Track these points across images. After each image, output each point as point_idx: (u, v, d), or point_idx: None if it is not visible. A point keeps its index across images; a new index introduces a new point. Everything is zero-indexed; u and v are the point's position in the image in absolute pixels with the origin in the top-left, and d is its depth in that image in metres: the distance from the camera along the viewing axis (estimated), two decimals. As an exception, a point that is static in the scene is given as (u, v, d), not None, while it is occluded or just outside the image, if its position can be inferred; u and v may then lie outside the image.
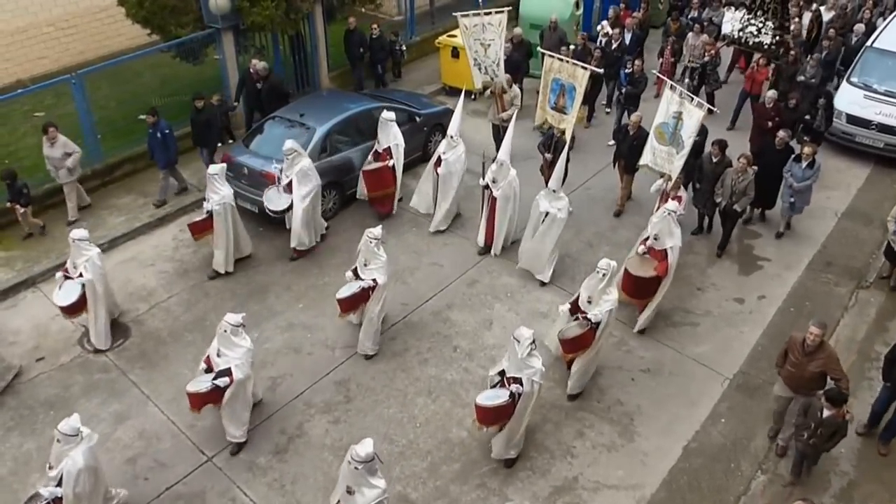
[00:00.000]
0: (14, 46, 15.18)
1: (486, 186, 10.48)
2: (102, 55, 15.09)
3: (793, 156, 10.91)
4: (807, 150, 10.76)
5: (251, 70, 12.61)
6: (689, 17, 16.58)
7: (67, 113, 12.68)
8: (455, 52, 14.68)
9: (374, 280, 8.63)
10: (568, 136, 11.15)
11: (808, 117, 12.52)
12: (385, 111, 11.38)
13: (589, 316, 8.13)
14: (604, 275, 8.11)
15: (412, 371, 8.95)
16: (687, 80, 14.91)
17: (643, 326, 9.55)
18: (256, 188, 10.94)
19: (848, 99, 13.69)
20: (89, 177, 11.82)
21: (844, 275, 10.83)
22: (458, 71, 13.80)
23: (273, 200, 10.43)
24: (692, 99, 10.02)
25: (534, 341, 7.18)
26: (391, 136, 11.23)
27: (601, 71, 12.78)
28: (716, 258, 11.06)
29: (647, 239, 9.35)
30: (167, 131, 11.24)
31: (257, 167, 10.96)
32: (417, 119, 12.64)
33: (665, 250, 9.16)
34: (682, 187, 10.23)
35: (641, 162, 10.91)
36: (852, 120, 13.52)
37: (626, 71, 13.58)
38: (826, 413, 6.98)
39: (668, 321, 9.91)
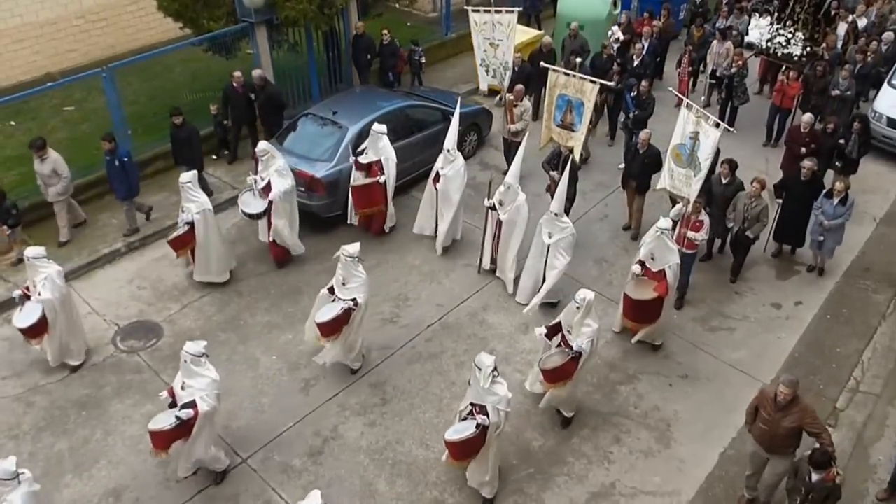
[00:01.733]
0: (43, 39, 15.14)
1: (492, 207, 9.95)
2: (133, 49, 15.05)
3: (824, 191, 10.17)
4: (839, 185, 10.02)
5: (234, 83, 12.09)
6: (716, 25, 15.89)
7: (98, 108, 12.73)
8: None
9: (353, 300, 8.17)
10: (577, 154, 10.54)
11: (841, 141, 11.55)
12: (376, 124, 10.67)
13: (571, 344, 7.69)
14: (578, 307, 7.62)
15: (448, 374, 8.89)
16: (714, 92, 14.45)
17: (641, 339, 9.23)
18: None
19: (889, 102, 13.48)
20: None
21: (883, 281, 10.66)
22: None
23: (249, 204, 10.03)
24: (708, 118, 9.49)
25: (496, 368, 6.78)
26: (381, 150, 10.54)
27: (612, 84, 12.27)
28: (756, 262, 10.77)
29: (641, 261, 8.92)
30: (126, 159, 10.34)
31: (290, 165, 10.88)
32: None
33: (663, 270, 8.75)
34: (702, 211, 9.53)
35: (659, 185, 10.41)
36: (893, 123, 13.29)
37: (632, 95, 12.55)
38: (815, 477, 6.47)
39: (705, 326, 9.81)
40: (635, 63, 13.76)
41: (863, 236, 11.59)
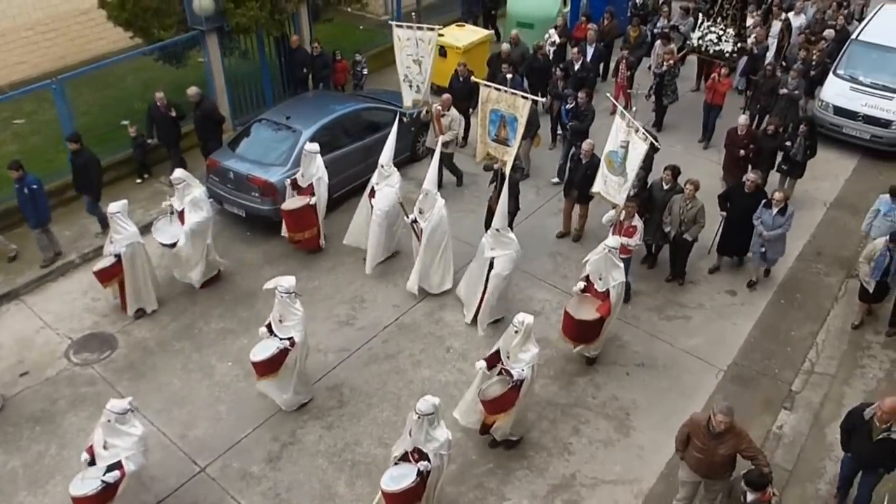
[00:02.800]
0: (-9, 52, 14.94)
1: (414, 221, 9.72)
2: (84, 60, 14.86)
3: (763, 201, 9.90)
4: (778, 195, 9.77)
5: (157, 103, 11.70)
6: (657, 25, 15.66)
7: (48, 120, 12.53)
8: (442, 51, 14.56)
9: (290, 339, 7.76)
10: (508, 168, 10.16)
11: (788, 143, 11.41)
12: (308, 143, 10.31)
13: (512, 372, 7.34)
14: (516, 331, 7.29)
15: (406, 374, 8.88)
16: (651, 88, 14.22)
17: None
18: (243, 192, 10.88)
19: (835, 91, 13.76)
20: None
21: (834, 264, 10.87)
22: (446, 70, 13.67)
23: (163, 232, 9.70)
24: (638, 130, 9.22)
25: (435, 412, 6.46)
26: (315, 168, 10.19)
27: (544, 100, 11.94)
28: (706, 253, 10.78)
29: (586, 277, 8.75)
30: (35, 186, 9.89)
31: (243, 171, 10.84)
32: (404, 119, 12.52)
33: (607, 290, 8.54)
34: (636, 216, 9.33)
35: (594, 189, 10.18)
36: (839, 111, 13.58)
37: (568, 106, 12.20)
38: (750, 497, 6.42)
39: (661, 315, 9.92)
40: (576, 68, 13.53)
41: (813, 221, 11.82)
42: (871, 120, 13.33)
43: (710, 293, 10.28)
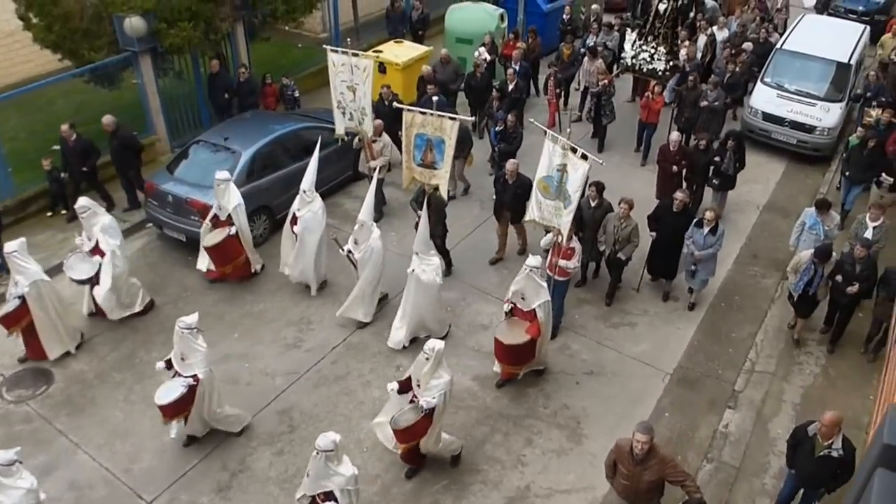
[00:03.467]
0: (-87, 78, 14.30)
1: (349, 252, 9.46)
2: (11, 83, 14.32)
3: (694, 221, 9.89)
4: (708, 214, 9.68)
5: (63, 135, 11.14)
6: (585, 42, 15.70)
7: (-27, 147, 12.02)
8: (382, 68, 14.59)
9: (194, 377, 7.47)
10: (444, 192, 9.97)
11: (717, 159, 11.49)
12: (218, 171, 9.90)
13: (421, 402, 7.22)
14: (427, 358, 7.14)
15: (356, 394, 8.79)
16: (587, 107, 14.46)
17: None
18: (182, 216, 10.65)
19: (763, 98, 14.26)
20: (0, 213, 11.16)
21: (770, 266, 11.23)
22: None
23: (75, 269, 9.30)
24: (576, 150, 8.93)
25: (335, 448, 6.24)
26: (229, 197, 9.85)
27: (472, 119, 11.67)
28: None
29: (511, 301, 8.60)
30: None
31: (182, 194, 10.62)
32: (346, 138, 12.45)
33: (534, 310, 8.42)
34: (573, 238, 9.28)
35: (528, 217, 9.88)
36: (767, 117, 14.09)
37: (497, 129, 12.17)
38: None
39: (607, 323, 10.07)
40: (510, 88, 13.42)
41: (748, 224, 12.21)
42: (796, 125, 13.85)
43: (654, 300, 10.49)
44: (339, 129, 11.68)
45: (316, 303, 10.18)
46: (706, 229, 9.66)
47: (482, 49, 14.65)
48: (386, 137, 11.48)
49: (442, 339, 8.74)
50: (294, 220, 9.97)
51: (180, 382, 7.48)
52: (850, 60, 14.44)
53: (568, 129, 9.89)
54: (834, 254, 9.40)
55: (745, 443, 8.41)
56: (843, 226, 11.50)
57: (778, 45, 15.18)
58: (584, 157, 8.78)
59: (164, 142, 13.23)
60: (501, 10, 16.63)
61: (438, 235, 9.94)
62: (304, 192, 9.85)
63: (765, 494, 7.84)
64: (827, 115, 13.76)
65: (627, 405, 8.78)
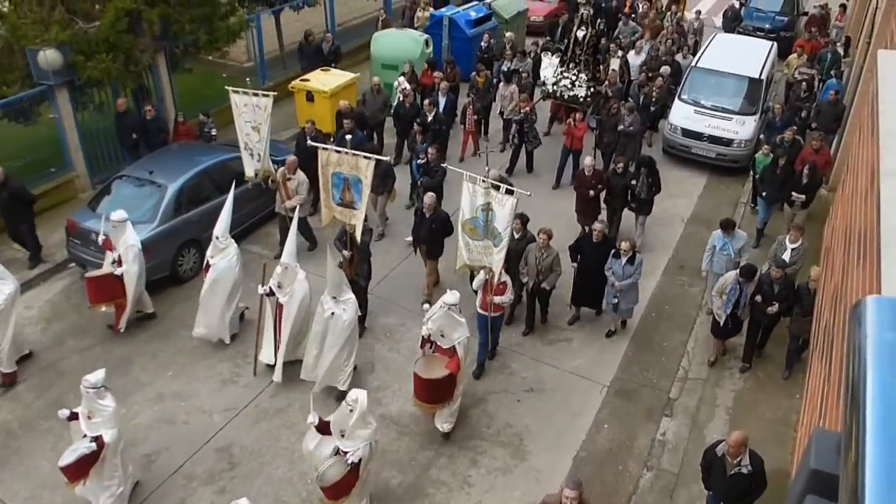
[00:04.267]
0: None
1: (269, 293, 8.96)
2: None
3: (612, 251, 9.74)
4: (624, 245, 9.57)
5: None
6: (500, 68, 15.71)
7: None
8: (310, 96, 14.55)
9: (97, 438, 7.05)
10: (358, 233, 9.50)
11: (633, 182, 11.58)
12: (115, 212, 9.41)
13: (348, 457, 6.96)
14: (350, 409, 6.95)
15: (297, 426, 8.61)
16: (508, 134, 14.27)
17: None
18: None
19: (681, 115, 14.82)
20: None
21: (696, 276, 11.56)
22: (315, 114, 13.64)
23: None
24: (499, 187, 8.72)
25: None
26: (125, 239, 9.40)
27: (388, 159, 11.22)
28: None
29: (428, 337, 8.31)
30: None
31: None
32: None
33: (453, 346, 8.23)
34: (504, 272, 9.13)
35: (458, 265, 9.56)
36: (686, 133, 14.65)
37: (419, 162, 11.90)
38: None
39: (544, 340, 10.22)
40: (429, 119, 13.09)
41: (674, 236, 12.63)
42: (714, 139, 14.43)
43: (589, 314, 10.69)
44: (249, 171, 11.34)
45: (251, 336, 9.98)
46: (624, 259, 9.61)
47: (401, 79, 14.63)
48: (301, 175, 11.02)
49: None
50: (207, 268, 9.50)
51: (84, 444, 7.06)
52: (760, 75, 15.18)
53: (487, 167, 9.59)
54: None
55: (683, 449, 8.64)
56: (760, 243, 11.96)
57: (693, 63, 15.84)
58: (509, 192, 8.69)
59: (84, 178, 12.82)
60: (426, 36, 16.84)
61: (364, 276, 9.72)
62: (218, 238, 9.35)
63: (703, 498, 8.00)
64: (743, 128, 14.40)
65: (568, 419, 8.93)
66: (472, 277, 9.75)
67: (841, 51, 17.33)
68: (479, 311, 9.31)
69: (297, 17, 17.46)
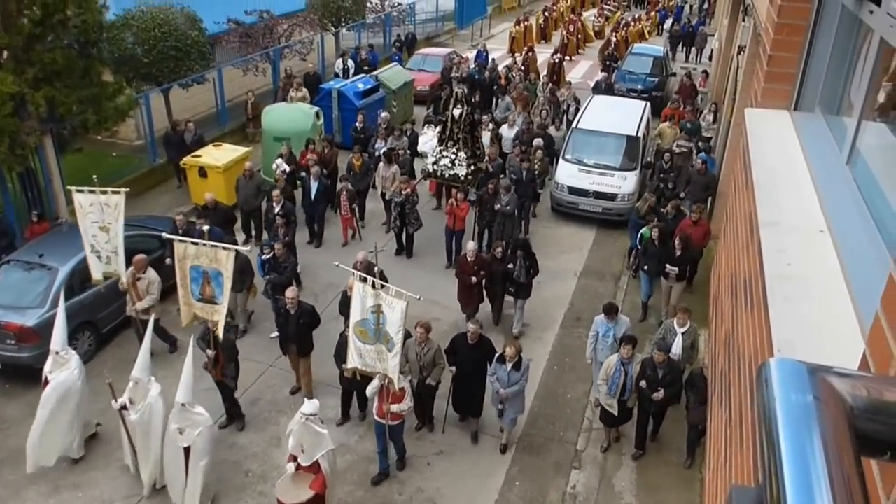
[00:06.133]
0: None
1: (123, 407, 8.33)
2: None
3: (496, 356, 9.11)
4: (509, 350, 8.85)
5: None
6: (375, 147, 15.45)
7: None
8: (203, 172, 14.47)
9: None
10: (220, 329, 8.93)
11: (511, 266, 11.20)
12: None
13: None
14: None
15: (205, 508, 8.38)
16: (390, 217, 13.97)
17: None
18: (-5, 342, 9.84)
19: (567, 173, 15.64)
20: None
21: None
22: (211, 190, 13.51)
23: None
24: (390, 289, 8.35)
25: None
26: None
27: (247, 249, 10.59)
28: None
29: (292, 455, 7.69)
30: None
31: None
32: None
33: (317, 461, 7.53)
34: (401, 379, 8.54)
35: (349, 366, 8.79)
36: (573, 191, 15.44)
37: (265, 256, 11.10)
38: None
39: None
40: (276, 210, 12.28)
41: (569, 290, 13.18)
42: (599, 195, 15.28)
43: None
44: (97, 275, 10.55)
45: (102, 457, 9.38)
46: (509, 365, 8.89)
47: (279, 161, 14.28)
48: (151, 273, 10.46)
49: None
50: (46, 383, 8.66)
51: None
52: (637, 133, 16.28)
53: (376, 267, 9.00)
54: (638, 355, 9.32)
55: (594, 500, 8.82)
56: (646, 316, 12.15)
57: (574, 125, 16.82)
58: (398, 294, 8.21)
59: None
60: (317, 108, 17.05)
61: (231, 377, 9.33)
62: (57, 353, 8.60)
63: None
64: (625, 183, 15.33)
65: (480, 479, 9.02)
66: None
67: (711, 117, 18.19)
68: (376, 418, 8.69)
69: (188, 95, 17.46)
